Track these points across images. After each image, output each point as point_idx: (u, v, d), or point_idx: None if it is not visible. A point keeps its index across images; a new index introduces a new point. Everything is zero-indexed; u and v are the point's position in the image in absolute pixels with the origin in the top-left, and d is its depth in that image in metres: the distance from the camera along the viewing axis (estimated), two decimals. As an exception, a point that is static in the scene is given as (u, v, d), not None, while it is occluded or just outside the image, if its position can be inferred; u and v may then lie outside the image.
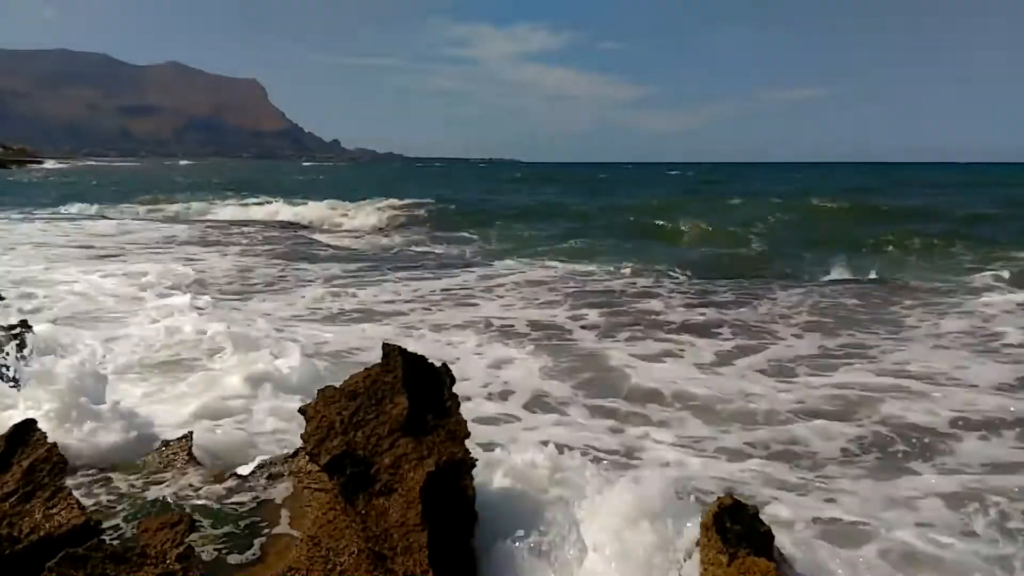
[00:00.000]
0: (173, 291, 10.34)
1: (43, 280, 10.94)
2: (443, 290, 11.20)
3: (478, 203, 30.61)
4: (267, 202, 29.63)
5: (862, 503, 4.13)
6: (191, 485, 4.07)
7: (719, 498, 2.96)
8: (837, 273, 13.07)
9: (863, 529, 3.77)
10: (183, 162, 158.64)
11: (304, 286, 11.47)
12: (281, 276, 12.60)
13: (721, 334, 8.24)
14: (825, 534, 3.65)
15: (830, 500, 4.18)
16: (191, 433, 4.62)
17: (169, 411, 5.24)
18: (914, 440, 5.11)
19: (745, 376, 6.68)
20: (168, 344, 7.10)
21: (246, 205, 29.81)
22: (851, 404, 5.82)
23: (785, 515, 3.86)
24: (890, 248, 16.45)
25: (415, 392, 3.23)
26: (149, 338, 7.28)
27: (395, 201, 27.69)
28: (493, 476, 3.39)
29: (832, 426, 5.35)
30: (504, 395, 6.12)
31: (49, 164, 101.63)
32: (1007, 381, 6.37)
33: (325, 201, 28.35)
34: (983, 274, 12.43)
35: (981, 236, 17.30)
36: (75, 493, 2.86)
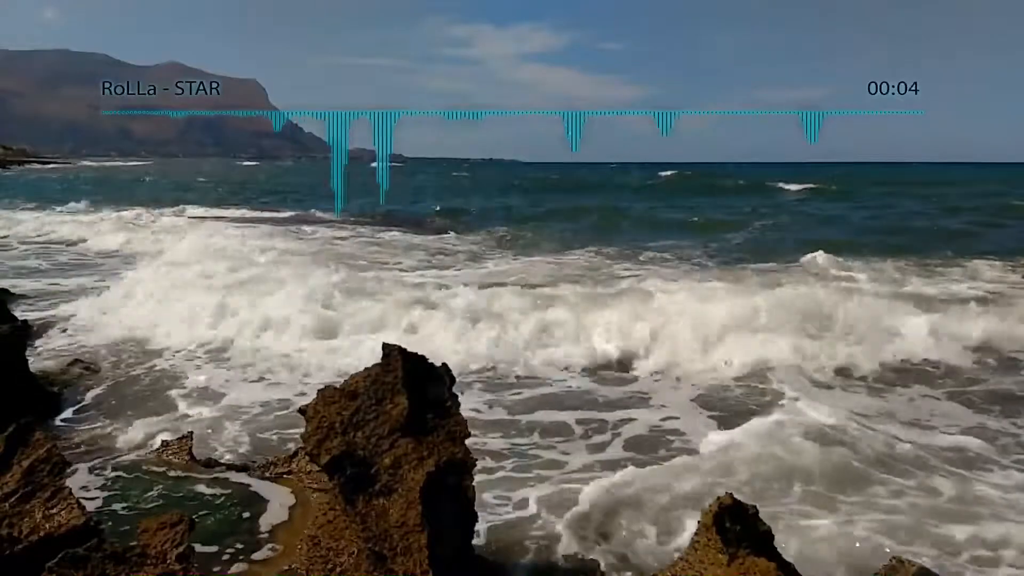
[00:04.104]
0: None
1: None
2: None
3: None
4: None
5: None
6: (191, 485, 4.07)
7: (719, 498, 2.94)
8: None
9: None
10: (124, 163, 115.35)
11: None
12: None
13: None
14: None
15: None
16: (191, 433, 4.64)
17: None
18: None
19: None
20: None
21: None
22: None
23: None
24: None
25: (415, 392, 3.22)
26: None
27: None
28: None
29: None
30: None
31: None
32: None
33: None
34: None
35: None
36: (75, 493, 2.85)
